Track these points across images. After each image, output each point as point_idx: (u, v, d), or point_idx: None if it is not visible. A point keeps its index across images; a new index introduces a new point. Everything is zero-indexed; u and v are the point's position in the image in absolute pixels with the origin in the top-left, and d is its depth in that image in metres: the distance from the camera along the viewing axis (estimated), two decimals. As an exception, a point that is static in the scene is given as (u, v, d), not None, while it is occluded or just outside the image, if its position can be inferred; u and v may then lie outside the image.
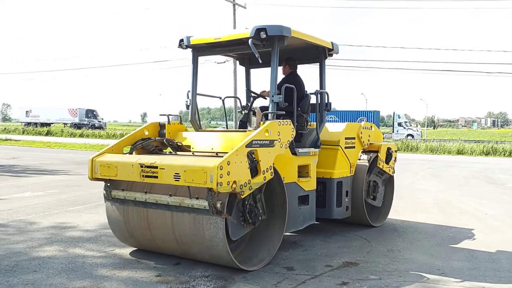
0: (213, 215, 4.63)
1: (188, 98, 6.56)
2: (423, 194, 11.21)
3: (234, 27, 25.36)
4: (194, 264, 5.27)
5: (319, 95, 6.58)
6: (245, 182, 4.70)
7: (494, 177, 16.36)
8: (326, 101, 6.72)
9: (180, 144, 6.00)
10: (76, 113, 66.59)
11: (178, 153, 5.84)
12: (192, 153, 5.78)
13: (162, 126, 6.21)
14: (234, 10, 25.31)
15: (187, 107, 6.60)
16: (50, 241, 6.20)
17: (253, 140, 4.91)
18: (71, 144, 31.70)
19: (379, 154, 7.53)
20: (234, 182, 4.55)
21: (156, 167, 4.80)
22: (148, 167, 4.87)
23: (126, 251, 5.79)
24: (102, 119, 70.91)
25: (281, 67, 6.67)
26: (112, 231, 5.88)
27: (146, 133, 6.10)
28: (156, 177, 4.81)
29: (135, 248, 5.88)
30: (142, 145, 5.82)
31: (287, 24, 5.64)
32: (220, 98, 7.22)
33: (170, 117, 6.25)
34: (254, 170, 4.90)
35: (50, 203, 9.05)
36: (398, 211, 8.73)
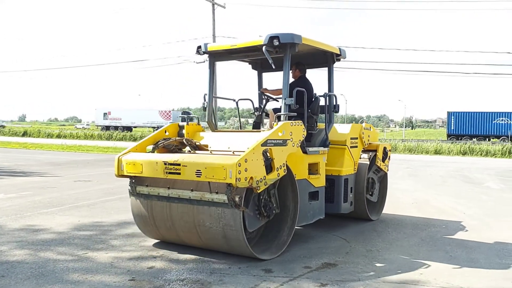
0: (232, 208, 5.05)
1: (205, 100, 7.00)
2: (401, 194, 11.25)
3: (214, 27, 25.23)
4: (168, 267, 5.14)
5: (327, 97, 7.10)
6: (261, 178, 5.13)
7: (471, 177, 16.55)
8: (334, 103, 7.16)
9: (199, 143, 6.29)
10: (170, 115, 60.16)
11: (197, 152, 6.16)
12: (210, 152, 6.09)
13: (181, 127, 6.65)
14: (213, 9, 25.15)
15: (204, 109, 7.05)
16: (21, 245, 5.98)
17: (268, 140, 5.32)
18: (48, 145, 31.10)
19: (377, 153, 8.05)
20: (251, 178, 4.96)
21: (179, 165, 5.22)
22: (171, 164, 5.28)
23: (99, 254, 5.62)
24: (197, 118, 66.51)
25: (291, 71, 6.91)
26: (136, 224, 6.25)
27: (167, 133, 6.52)
28: (179, 173, 5.23)
29: (107, 253, 5.72)
30: (163, 145, 6.20)
31: (298, 32, 6.13)
32: (234, 100, 7.56)
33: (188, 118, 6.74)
34: (269, 167, 5.31)
35: (23, 205, 8.80)
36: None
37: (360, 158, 7.74)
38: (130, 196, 6.05)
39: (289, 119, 5.96)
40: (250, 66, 8.11)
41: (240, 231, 5.11)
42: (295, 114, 6.19)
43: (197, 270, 5.02)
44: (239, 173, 4.80)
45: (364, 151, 7.91)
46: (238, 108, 7.68)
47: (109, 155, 24.39)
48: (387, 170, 8.50)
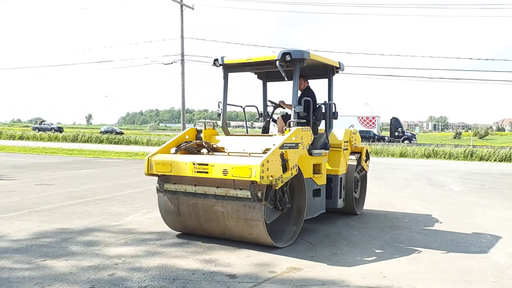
0: (255, 202, 5.81)
1: (219, 107, 7.73)
2: (368, 197, 11.30)
3: (182, 28, 25.00)
4: (129, 275, 5.01)
5: (328, 106, 7.80)
6: (279, 176, 5.83)
7: (434, 179, 16.90)
8: (334, 111, 7.86)
9: (215, 146, 7.09)
10: (374, 123, 54.68)
11: (215, 153, 6.90)
12: (228, 153, 6.75)
13: (199, 131, 7.34)
14: (182, 10, 24.90)
15: (219, 115, 7.80)
16: (-25, 253, 5.73)
17: (284, 143, 6.05)
18: (10, 147, 30.16)
19: (361, 154, 8.99)
20: (271, 176, 5.66)
21: (207, 164, 5.91)
22: (200, 164, 5.98)
23: (58, 262, 5.43)
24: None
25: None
26: (162, 218, 6.92)
27: (187, 137, 7.24)
28: (207, 172, 5.92)
29: (67, 261, 5.54)
30: (185, 147, 6.88)
31: (306, 49, 6.96)
32: (241, 106, 8.21)
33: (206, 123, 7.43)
34: (284, 167, 5.97)
35: (-21, 211, 8.45)
36: (342, 214, 8.77)
37: (350, 159, 8.65)
38: (158, 193, 6.74)
39: (297, 125, 6.75)
40: (256, 76, 8.80)
41: (262, 222, 5.87)
42: (305, 121, 7.11)
43: (159, 277, 4.91)
44: (263, 172, 5.50)
45: (352, 153, 8.79)
46: (245, 114, 8.38)
47: (74, 157, 23.84)
48: (368, 169, 9.40)
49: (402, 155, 33.87)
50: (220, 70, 7.99)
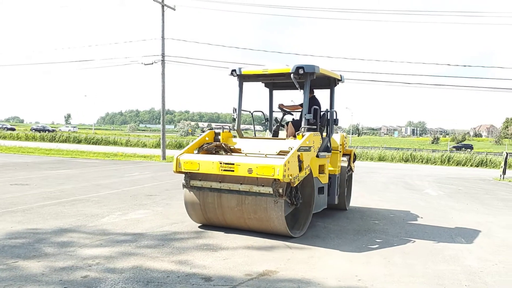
0: (276, 198, 6.59)
1: (234, 113, 8.50)
2: (345, 200, 11.42)
3: (163, 29, 24.83)
4: (103, 277, 4.93)
5: (330, 113, 8.65)
6: (296, 175, 6.59)
7: (411, 183, 17.12)
8: (335, 117, 8.73)
9: (233, 147, 7.88)
10: None
11: (233, 154, 7.69)
12: (245, 154, 7.56)
13: (217, 134, 8.11)
14: (163, 11, 24.72)
15: (234, 120, 8.57)
16: None
17: (301, 147, 6.83)
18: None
19: (350, 156, 10.01)
20: (291, 175, 6.41)
21: (233, 164, 6.66)
22: (226, 163, 6.72)
23: (30, 263, 5.32)
24: None
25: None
26: (187, 211, 7.61)
27: (207, 139, 7.96)
28: (233, 170, 6.66)
29: (39, 262, 5.43)
30: (207, 148, 7.65)
31: (316, 64, 7.70)
32: (250, 111, 8.95)
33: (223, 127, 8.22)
34: (300, 167, 6.72)
35: (-50, 211, 8.24)
36: (320, 217, 8.81)
37: (342, 160, 9.64)
38: (184, 188, 7.42)
39: (307, 131, 7.55)
40: (263, 84, 9.54)
41: (281, 214, 6.65)
42: (315, 127, 7.92)
43: (133, 279, 4.85)
44: (285, 171, 6.27)
45: (343, 155, 9.73)
46: (253, 118, 9.16)
47: (51, 157, 23.46)
48: (354, 169, 10.35)
49: (380, 159, 34.18)
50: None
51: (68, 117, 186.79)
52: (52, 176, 14.56)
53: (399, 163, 32.23)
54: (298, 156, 6.69)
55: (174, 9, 25.21)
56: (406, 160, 33.48)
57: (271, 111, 9.69)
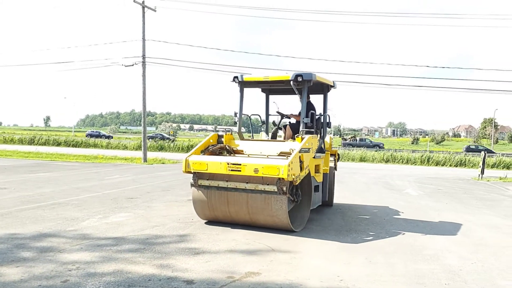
0: (280, 195, 7.20)
1: (235, 117, 9.01)
2: (327, 201, 11.48)
3: (143, 30, 24.66)
4: (83, 282, 4.87)
5: (324, 117, 9.38)
6: (298, 175, 7.19)
7: (392, 183, 17.30)
8: (328, 121, 9.49)
9: (235, 149, 8.41)
10: None
11: (236, 155, 8.22)
12: (248, 155, 8.10)
13: (220, 136, 8.60)
14: (144, 12, 24.56)
15: (235, 123, 9.12)
16: None
17: (301, 148, 7.41)
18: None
19: (336, 156, 10.67)
20: (294, 174, 7.02)
21: (240, 164, 7.22)
22: (233, 164, 7.28)
23: (9, 269, 5.21)
24: None
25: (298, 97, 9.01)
26: (194, 209, 8.14)
27: (211, 141, 8.49)
28: (240, 170, 7.22)
29: (18, 267, 5.33)
30: (212, 149, 8.18)
31: (313, 72, 8.40)
32: (247, 115, 9.42)
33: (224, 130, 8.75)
34: (300, 167, 7.29)
35: None
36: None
37: (330, 160, 10.16)
38: (192, 187, 7.93)
39: (306, 134, 8.08)
40: (260, 89, 10.00)
41: (285, 210, 7.27)
42: (313, 130, 8.50)
43: (114, 284, 4.80)
44: (289, 171, 6.86)
45: (330, 155, 10.23)
46: (250, 121, 9.65)
47: (30, 160, 23.08)
48: (337, 168, 10.98)
49: (362, 159, 34.45)
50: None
51: (47, 119, 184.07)
52: (31, 180, 14.32)
53: (380, 164, 32.53)
54: (299, 157, 7.24)
55: (155, 11, 25.07)
56: (387, 161, 33.81)
57: (267, 114, 10.30)
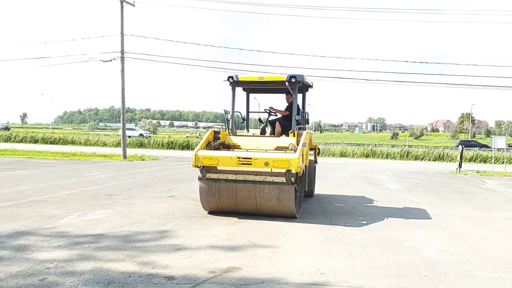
0: (288, 185, 7.86)
1: (226, 114, 9.41)
2: (308, 197, 11.52)
3: (122, 25, 24.34)
4: (61, 280, 4.78)
5: (302, 114, 9.94)
6: (302, 166, 8.02)
7: (372, 178, 17.46)
8: (307, 118, 10.28)
9: (233, 144, 8.88)
10: None
11: (234, 150, 8.67)
12: (246, 149, 8.61)
13: (216, 132, 9.08)
14: (122, 7, 24.23)
15: (228, 121, 9.43)
16: None
17: (304, 142, 8.25)
18: None
19: (315, 150, 11.27)
20: (300, 166, 7.77)
21: (250, 158, 7.75)
22: (244, 158, 7.79)
23: (-16, 268, 5.10)
24: None
25: (287, 97, 9.84)
26: (201, 201, 8.61)
27: (210, 137, 8.91)
28: (250, 164, 7.76)
29: None
30: (213, 145, 8.55)
31: (303, 73, 9.14)
32: (239, 113, 9.93)
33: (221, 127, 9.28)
34: (303, 160, 8.07)
35: None
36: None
37: (310, 154, 10.69)
38: (199, 180, 8.34)
39: (298, 130, 8.83)
40: (241, 88, 10.28)
41: (292, 199, 7.97)
42: (305, 126, 9.50)
43: (93, 281, 4.73)
44: (298, 163, 7.56)
45: (310, 149, 10.73)
46: (233, 118, 9.87)
47: (6, 158, 22.62)
48: (317, 161, 11.62)
49: (342, 155, 34.69)
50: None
51: (24, 116, 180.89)
52: (7, 177, 14.05)
53: (360, 159, 32.81)
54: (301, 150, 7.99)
55: (133, 5, 24.77)
56: (367, 156, 34.12)
57: (247, 111, 10.83)
